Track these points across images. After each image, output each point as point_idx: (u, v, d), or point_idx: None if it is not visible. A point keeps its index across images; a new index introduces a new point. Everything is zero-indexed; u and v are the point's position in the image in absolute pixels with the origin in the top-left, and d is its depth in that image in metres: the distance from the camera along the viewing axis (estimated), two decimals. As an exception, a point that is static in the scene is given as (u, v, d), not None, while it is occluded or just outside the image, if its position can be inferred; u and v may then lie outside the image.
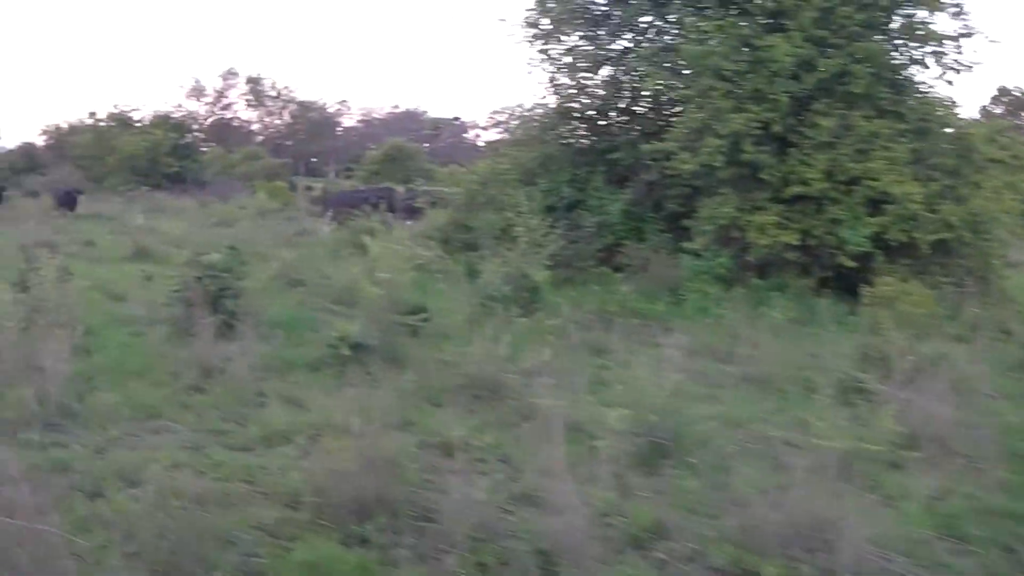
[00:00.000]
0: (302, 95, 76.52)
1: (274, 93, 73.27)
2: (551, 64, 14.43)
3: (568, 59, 14.22)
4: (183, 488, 4.39)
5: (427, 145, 70.26)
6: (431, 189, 16.91)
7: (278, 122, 74.86)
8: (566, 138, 14.69)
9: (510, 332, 7.45)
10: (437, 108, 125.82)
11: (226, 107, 72.05)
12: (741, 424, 6.43)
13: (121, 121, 36.43)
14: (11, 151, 48.64)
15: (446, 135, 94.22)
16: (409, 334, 8.16)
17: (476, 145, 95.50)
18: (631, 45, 13.80)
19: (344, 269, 10.87)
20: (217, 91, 71.07)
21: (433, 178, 61.00)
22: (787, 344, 8.87)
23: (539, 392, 5.74)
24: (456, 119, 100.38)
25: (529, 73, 14.98)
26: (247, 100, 72.69)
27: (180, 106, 55.67)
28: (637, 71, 13.31)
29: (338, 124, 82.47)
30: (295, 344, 8.12)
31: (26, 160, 45.77)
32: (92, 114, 37.57)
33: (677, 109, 13.60)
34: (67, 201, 24.24)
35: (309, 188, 29.85)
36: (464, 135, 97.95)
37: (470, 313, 8.93)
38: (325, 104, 79.27)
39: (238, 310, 8.50)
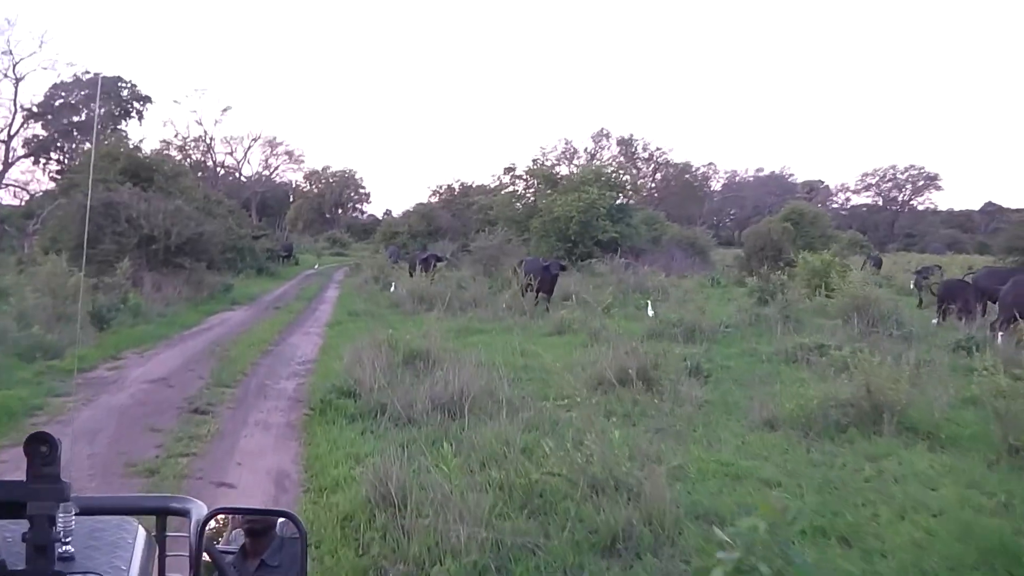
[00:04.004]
0: (673, 157, 70.42)
1: (646, 154, 67.25)
2: None
3: None
4: None
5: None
6: None
7: (650, 184, 68.38)
8: None
9: None
10: (801, 170, 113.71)
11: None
12: None
13: (547, 178, 30.35)
14: (409, 213, 46.22)
15: (816, 199, 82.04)
16: None
17: (842, 209, 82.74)
18: None
19: None
20: (589, 152, 66.45)
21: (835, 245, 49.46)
22: None
23: None
24: (820, 182, 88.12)
25: None
26: (619, 162, 67.18)
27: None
28: None
29: (707, 186, 74.45)
30: None
31: (424, 223, 42.52)
32: (509, 169, 32.07)
33: None
34: (545, 281, 17.31)
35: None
36: (831, 198, 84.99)
37: None
38: (695, 166, 72.09)
39: None
